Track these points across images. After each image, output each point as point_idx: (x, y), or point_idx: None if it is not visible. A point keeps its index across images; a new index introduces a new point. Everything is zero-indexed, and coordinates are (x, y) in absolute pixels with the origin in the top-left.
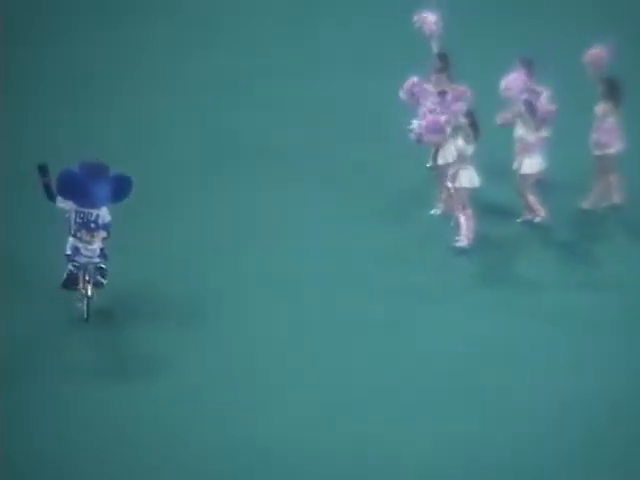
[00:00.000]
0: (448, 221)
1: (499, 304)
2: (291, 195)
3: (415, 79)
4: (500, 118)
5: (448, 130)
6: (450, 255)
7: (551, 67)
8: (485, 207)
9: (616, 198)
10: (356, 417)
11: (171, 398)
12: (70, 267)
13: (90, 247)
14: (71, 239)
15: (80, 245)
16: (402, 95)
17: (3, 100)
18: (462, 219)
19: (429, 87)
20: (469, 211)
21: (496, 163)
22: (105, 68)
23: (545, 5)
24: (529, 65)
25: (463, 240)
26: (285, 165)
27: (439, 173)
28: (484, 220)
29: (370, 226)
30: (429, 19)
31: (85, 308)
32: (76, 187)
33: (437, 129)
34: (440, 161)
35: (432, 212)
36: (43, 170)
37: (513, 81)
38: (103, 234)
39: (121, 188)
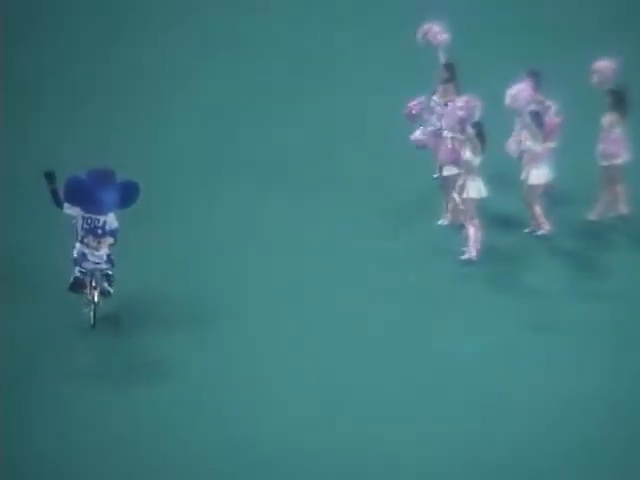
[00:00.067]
0: (455, 231)
1: (504, 312)
2: (294, 203)
3: (413, 103)
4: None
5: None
6: (457, 265)
7: (558, 78)
8: (492, 217)
9: (623, 208)
10: (356, 417)
11: (174, 400)
12: (77, 272)
13: (97, 253)
14: (78, 245)
15: (87, 251)
16: (406, 119)
17: (3, 100)
18: (471, 230)
19: (435, 97)
20: (476, 221)
21: (502, 173)
22: (105, 71)
23: (552, 17)
24: (536, 77)
25: (471, 252)
26: (288, 169)
27: (446, 184)
28: (491, 230)
29: (377, 236)
30: (434, 29)
31: (92, 314)
32: (83, 193)
33: (454, 159)
34: (446, 172)
35: (439, 222)
36: (50, 177)
37: (519, 93)
38: (110, 240)
39: (128, 194)
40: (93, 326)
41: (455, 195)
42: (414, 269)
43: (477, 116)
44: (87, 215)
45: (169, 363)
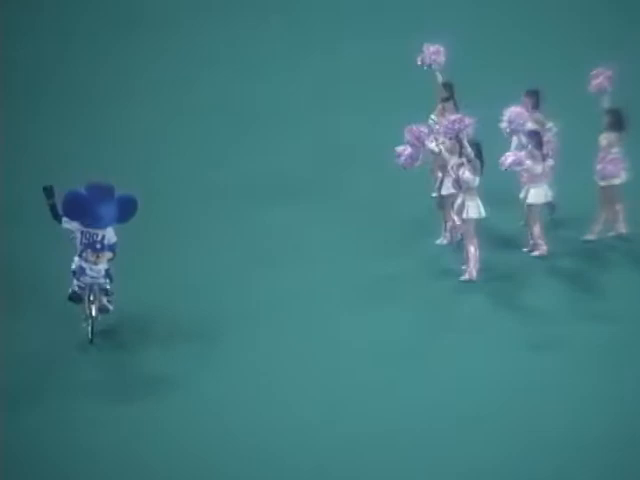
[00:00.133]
0: (454, 250)
1: (503, 331)
2: (294, 221)
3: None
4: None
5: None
6: (456, 284)
7: (555, 98)
8: (491, 237)
9: (621, 228)
10: (360, 434)
11: (173, 416)
12: (75, 286)
13: (95, 267)
14: (76, 258)
15: (85, 265)
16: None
17: (3, 100)
18: (471, 250)
19: (433, 116)
20: (476, 241)
21: (501, 193)
22: (107, 78)
23: (549, 36)
24: (536, 96)
25: (472, 272)
26: (288, 188)
27: (444, 203)
28: (490, 250)
29: (376, 255)
30: (430, 49)
31: (89, 329)
32: (82, 208)
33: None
34: (444, 191)
35: (438, 242)
36: (48, 192)
37: (516, 114)
38: (109, 255)
39: (126, 209)
40: (91, 341)
41: (454, 215)
42: (413, 288)
43: (470, 133)
44: (86, 230)
45: (168, 379)
